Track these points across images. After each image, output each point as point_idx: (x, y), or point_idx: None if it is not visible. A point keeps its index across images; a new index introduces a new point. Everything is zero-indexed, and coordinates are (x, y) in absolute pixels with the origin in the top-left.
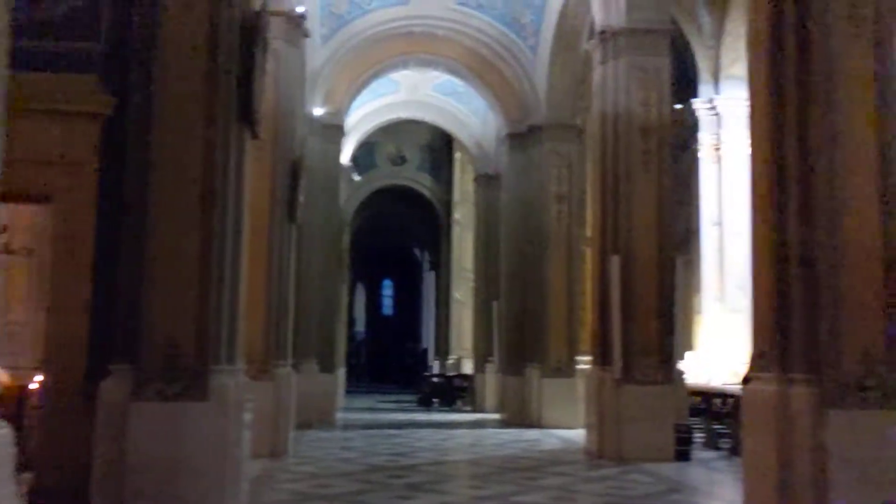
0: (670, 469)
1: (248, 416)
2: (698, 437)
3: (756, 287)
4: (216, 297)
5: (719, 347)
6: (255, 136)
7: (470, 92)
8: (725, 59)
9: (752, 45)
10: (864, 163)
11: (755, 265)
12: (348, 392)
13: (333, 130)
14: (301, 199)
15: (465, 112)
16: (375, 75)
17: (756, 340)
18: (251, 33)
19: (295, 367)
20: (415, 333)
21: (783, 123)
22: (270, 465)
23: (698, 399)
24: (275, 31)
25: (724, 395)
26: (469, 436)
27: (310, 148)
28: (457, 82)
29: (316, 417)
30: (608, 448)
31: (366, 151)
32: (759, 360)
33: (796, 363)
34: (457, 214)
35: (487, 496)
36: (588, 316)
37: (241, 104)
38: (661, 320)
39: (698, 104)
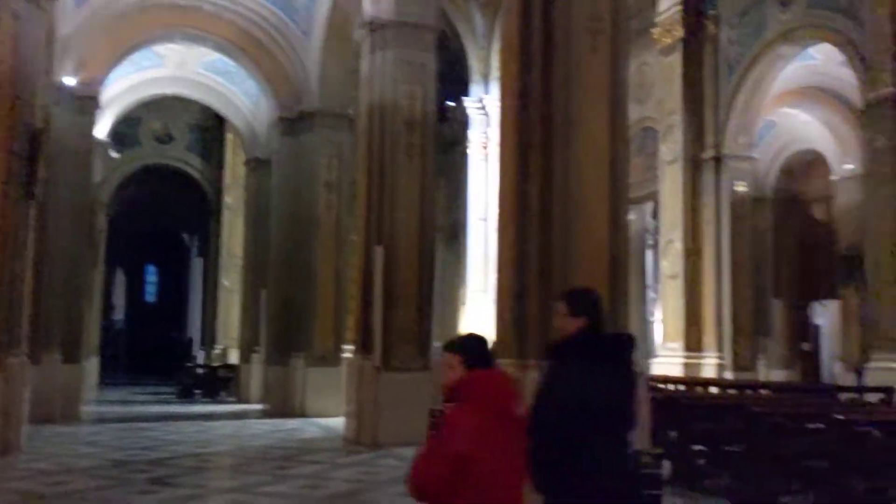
0: None
1: None
2: None
3: (500, 279)
4: None
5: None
6: None
7: (242, 72)
8: (495, 61)
9: (504, 48)
10: (597, 169)
11: (500, 259)
12: (103, 384)
13: (87, 102)
14: (42, 173)
15: (237, 93)
16: (137, 46)
17: (498, 328)
18: None
19: (32, 357)
20: (180, 322)
21: (528, 125)
22: None
23: None
24: None
25: None
26: (228, 427)
27: (58, 119)
28: (228, 61)
29: (59, 411)
30: (365, 434)
31: (128, 127)
32: (500, 346)
33: (531, 351)
34: (228, 198)
35: (234, 488)
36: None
37: None
38: (421, 310)
39: (469, 103)
